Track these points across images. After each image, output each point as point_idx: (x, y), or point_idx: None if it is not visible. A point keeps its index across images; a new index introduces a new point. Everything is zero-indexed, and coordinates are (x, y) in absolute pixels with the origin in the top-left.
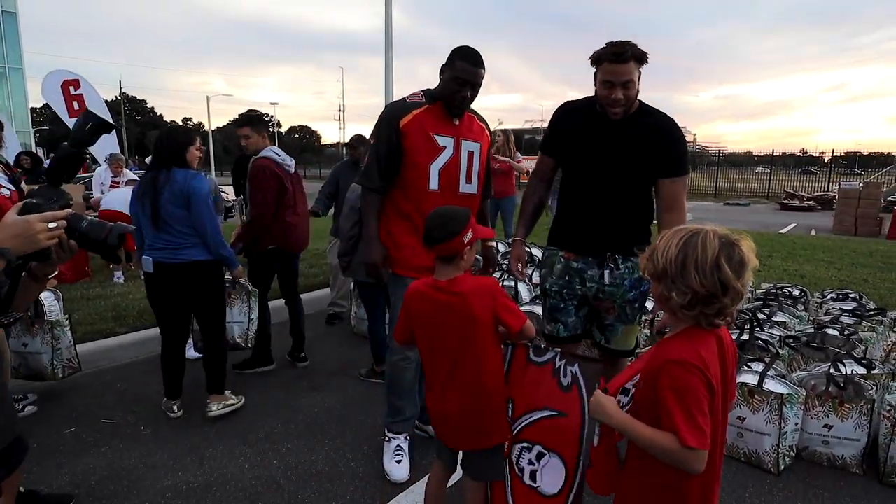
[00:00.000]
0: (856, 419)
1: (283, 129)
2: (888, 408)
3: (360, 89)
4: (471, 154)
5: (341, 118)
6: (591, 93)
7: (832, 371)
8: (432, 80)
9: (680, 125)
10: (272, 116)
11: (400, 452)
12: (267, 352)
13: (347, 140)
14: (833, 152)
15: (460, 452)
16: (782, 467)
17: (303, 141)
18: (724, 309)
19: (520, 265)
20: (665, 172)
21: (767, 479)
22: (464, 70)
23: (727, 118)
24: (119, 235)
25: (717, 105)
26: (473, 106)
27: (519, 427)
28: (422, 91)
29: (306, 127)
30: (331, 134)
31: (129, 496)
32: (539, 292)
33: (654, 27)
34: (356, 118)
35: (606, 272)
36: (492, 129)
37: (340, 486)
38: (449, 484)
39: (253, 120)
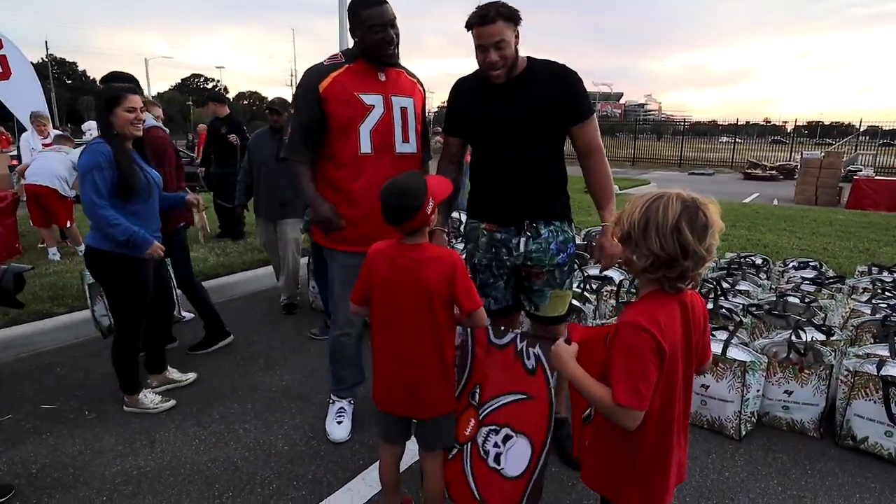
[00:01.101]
0: (815, 384)
1: (231, 95)
2: (846, 373)
3: (313, 53)
4: (404, 110)
5: (293, 84)
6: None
7: (793, 338)
8: None
9: (646, 93)
10: (218, 81)
11: (342, 414)
12: (218, 325)
13: None
14: (796, 122)
15: (412, 427)
16: (744, 433)
17: (252, 107)
18: (686, 272)
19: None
20: (570, 120)
21: (730, 445)
22: (371, 16)
23: (693, 86)
24: (15, 276)
25: (684, 73)
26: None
27: (487, 411)
28: (340, 52)
29: (256, 93)
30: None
31: (76, 484)
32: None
33: None
34: None
35: (525, 240)
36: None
37: (301, 465)
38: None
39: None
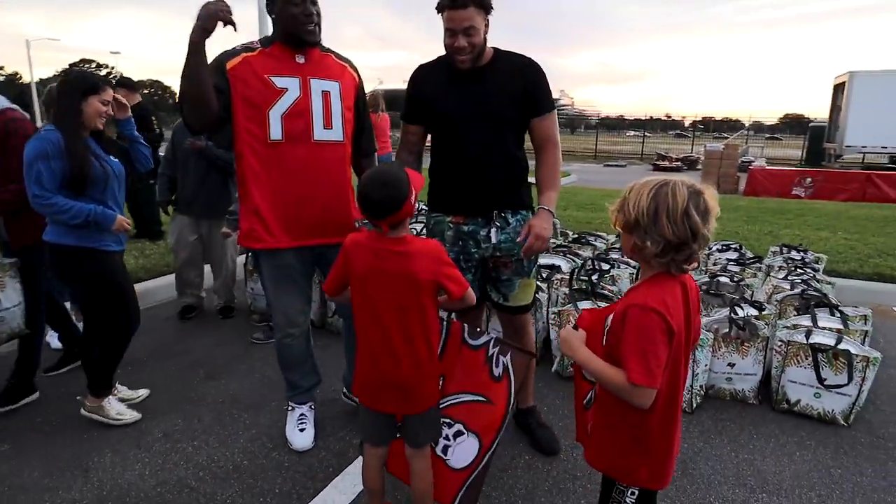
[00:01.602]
0: (753, 356)
1: None
2: (779, 343)
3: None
4: (326, 94)
5: None
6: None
7: (732, 315)
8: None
9: (560, 88)
10: (113, 68)
11: (304, 421)
12: (30, 374)
13: None
14: (696, 117)
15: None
16: (695, 406)
17: (154, 98)
18: (693, 254)
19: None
20: (531, 112)
21: (683, 418)
22: None
23: (602, 82)
24: None
25: (594, 70)
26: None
27: (445, 404)
28: (257, 39)
29: (158, 82)
30: None
31: None
32: None
33: None
34: None
35: (495, 230)
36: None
37: (265, 480)
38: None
39: None
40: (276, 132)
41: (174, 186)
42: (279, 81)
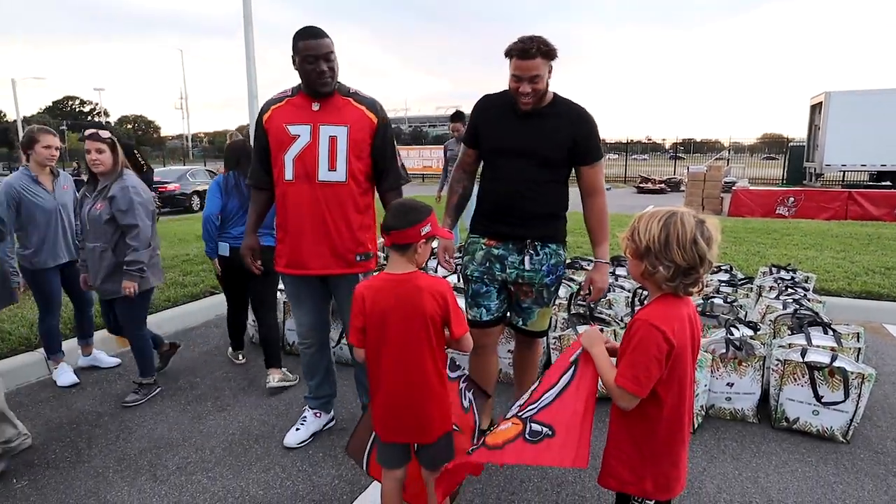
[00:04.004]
0: (751, 375)
1: (112, 119)
2: (776, 362)
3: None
4: (332, 139)
5: (183, 107)
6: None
7: (728, 335)
8: (285, 65)
9: None
10: (96, 104)
11: (303, 422)
12: None
13: (192, 132)
14: (676, 139)
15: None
16: (696, 426)
17: (138, 132)
18: (699, 278)
19: (447, 255)
20: (581, 160)
21: None
22: (307, 47)
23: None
24: None
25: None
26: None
27: None
28: (291, 87)
29: (141, 117)
30: (172, 125)
31: None
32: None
33: (508, 17)
34: (201, 107)
35: (527, 258)
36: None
37: None
38: None
39: None
40: (289, 173)
41: None
42: (293, 129)
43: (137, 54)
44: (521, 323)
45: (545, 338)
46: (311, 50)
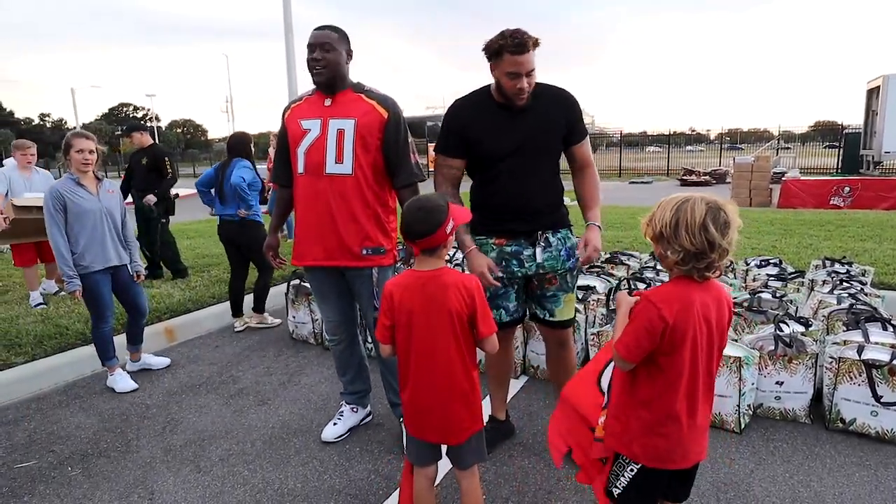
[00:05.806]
0: (802, 373)
1: (164, 124)
2: (830, 360)
3: (249, 79)
4: (340, 132)
5: (229, 110)
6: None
7: (778, 332)
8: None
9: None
10: (148, 110)
11: (339, 417)
12: None
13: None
14: (721, 129)
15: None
16: (743, 426)
17: (186, 136)
18: (713, 263)
19: (490, 273)
20: (574, 141)
21: (733, 439)
22: (309, 39)
23: (621, 98)
24: None
25: (611, 87)
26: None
27: None
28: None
29: (190, 121)
30: (219, 128)
31: None
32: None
33: (529, 9)
34: (246, 108)
35: (538, 249)
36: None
37: (318, 503)
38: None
39: None
40: (301, 166)
41: None
42: (305, 123)
43: (185, 60)
44: (548, 315)
45: (576, 337)
46: (309, 41)
